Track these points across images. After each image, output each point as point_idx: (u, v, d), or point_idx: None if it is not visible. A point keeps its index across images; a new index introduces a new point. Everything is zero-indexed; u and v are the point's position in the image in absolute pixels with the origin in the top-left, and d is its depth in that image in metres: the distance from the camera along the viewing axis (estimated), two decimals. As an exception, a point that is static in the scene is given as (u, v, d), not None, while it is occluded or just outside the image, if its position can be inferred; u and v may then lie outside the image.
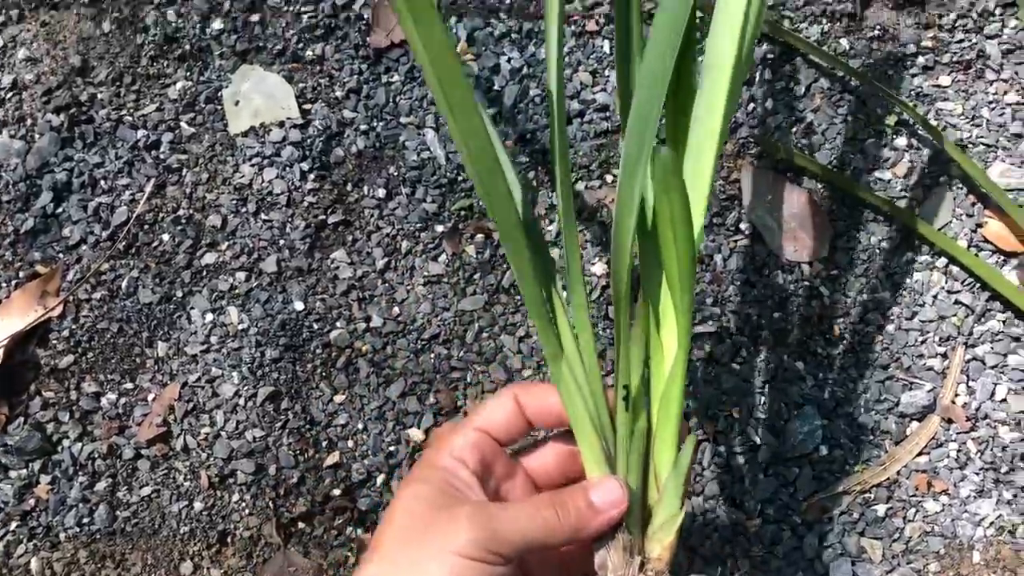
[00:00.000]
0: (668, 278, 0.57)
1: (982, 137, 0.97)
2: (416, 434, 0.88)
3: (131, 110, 1.00)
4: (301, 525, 0.86)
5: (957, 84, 0.99)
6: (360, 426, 0.88)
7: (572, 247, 0.61)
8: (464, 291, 0.92)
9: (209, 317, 0.92)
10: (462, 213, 0.95)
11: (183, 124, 0.99)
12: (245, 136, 0.98)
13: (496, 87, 1.00)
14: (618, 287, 0.56)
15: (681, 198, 0.51)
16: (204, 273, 0.94)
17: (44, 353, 0.91)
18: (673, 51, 0.51)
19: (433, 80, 0.51)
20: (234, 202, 0.96)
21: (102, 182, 0.97)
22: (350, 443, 0.88)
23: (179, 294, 0.93)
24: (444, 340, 0.91)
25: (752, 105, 0.99)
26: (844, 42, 1.02)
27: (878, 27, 1.02)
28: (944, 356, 0.89)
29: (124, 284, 0.93)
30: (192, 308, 0.92)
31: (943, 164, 0.96)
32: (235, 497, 0.86)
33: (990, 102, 0.98)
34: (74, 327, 0.92)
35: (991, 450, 0.86)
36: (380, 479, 0.86)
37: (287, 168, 0.97)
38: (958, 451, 0.86)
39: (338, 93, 1.00)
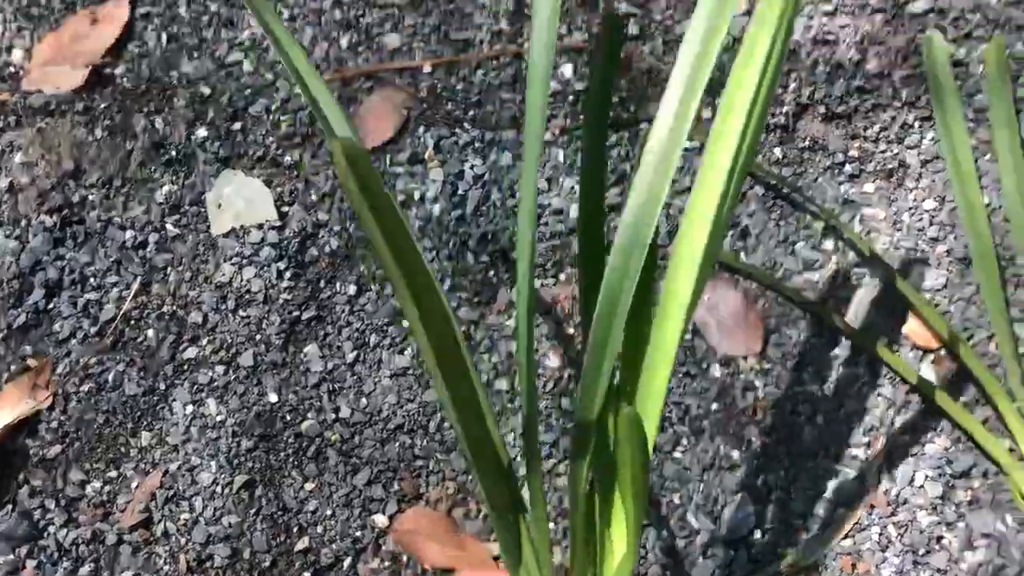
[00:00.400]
0: (621, 491, 0.64)
1: (903, 241, 1.06)
2: (381, 520, 0.94)
3: (120, 212, 1.08)
4: (273, 606, 0.92)
5: (880, 191, 1.09)
6: (329, 512, 0.95)
7: (536, 488, 0.69)
8: (428, 383, 1.00)
9: (190, 409, 0.98)
10: (427, 310, 1.03)
11: (169, 225, 1.07)
12: (227, 237, 1.06)
13: (460, 191, 1.09)
14: (576, 499, 0.64)
15: (640, 443, 0.57)
16: (186, 367, 1.01)
17: (33, 443, 0.98)
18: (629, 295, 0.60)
19: (432, 363, 0.58)
20: (215, 299, 1.03)
21: (91, 279, 1.05)
22: (319, 528, 0.94)
23: (162, 387, 1.00)
24: (408, 430, 0.98)
25: (694, 210, 1.08)
26: (777, 151, 1.11)
27: (809, 138, 1.12)
28: (868, 445, 0.97)
29: (111, 377, 1.00)
30: (174, 400, 0.99)
31: (867, 266, 1.05)
32: (211, 580, 0.92)
33: (910, 208, 1.08)
34: (63, 418, 0.99)
35: (910, 533, 0.93)
36: (347, 563, 0.93)
37: (265, 267, 1.04)
38: (880, 534, 0.94)
39: (313, 196, 1.09)
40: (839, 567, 0.92)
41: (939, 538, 0.93)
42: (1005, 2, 1.19)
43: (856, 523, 0.94)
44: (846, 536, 0.94)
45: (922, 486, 0.95)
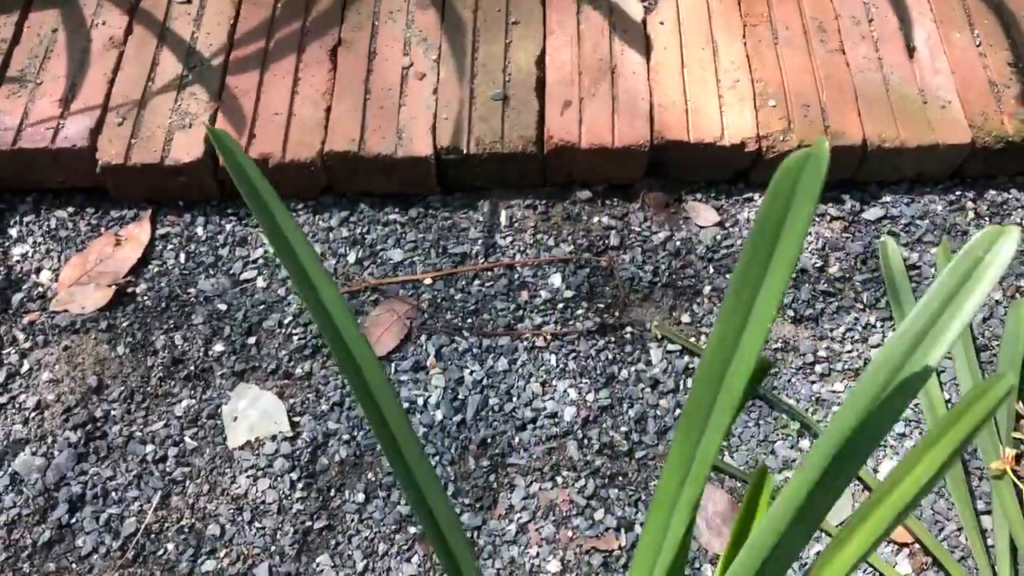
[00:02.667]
0: None
1: (872, 437, 1.14)
2: None
3: (141, 426, 1.15)
4: None
5: (849, 389, 1.18)
6: None
7: None
8: (435, 590, 1.05)
9: (207, 623, 1.03)
10: (432, 516, 1.09)
11: (187, 439, 1.14)
12: (242, 449, 1.13)
13: (461, 396, 1.17)
14: None
15: None
16: (203, 580, 1.06)
17: (56, 662, 1.01)
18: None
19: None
20: (231, 511, 1.09)
21: (113, 494, 1.10)
22: None
23: (181, 601, 1.04)
24: (418, 638, 1.03)
25: (678, 411, 1.16)
26: (753, 352, 1.21)
27: (780, 339, 1.22)
28: (853, 640, 1.03)
29: (131, 593, 1.05)
30: (192, 614, 1.03)
31: (841, 463, 1.12)
32: None
33: (877, 405, 1.16)
34: (84, 635, 1.03)
35: None
36: None
37: (278, 478, 1.11)
38: None
39: (324, 407, 1.16)
40: None
41: None
42: (949, 209, 1.32)
43: None
44: None
45: None
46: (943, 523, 1.09)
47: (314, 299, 0.60)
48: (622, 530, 1.08)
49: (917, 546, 1.07)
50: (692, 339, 1.21)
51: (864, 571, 1.06)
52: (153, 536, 1.08)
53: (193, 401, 1.16)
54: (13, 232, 1.29)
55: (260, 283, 1.25)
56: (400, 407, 0.61)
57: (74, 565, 1.07)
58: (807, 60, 1.34)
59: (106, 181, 1.28)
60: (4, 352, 1.19)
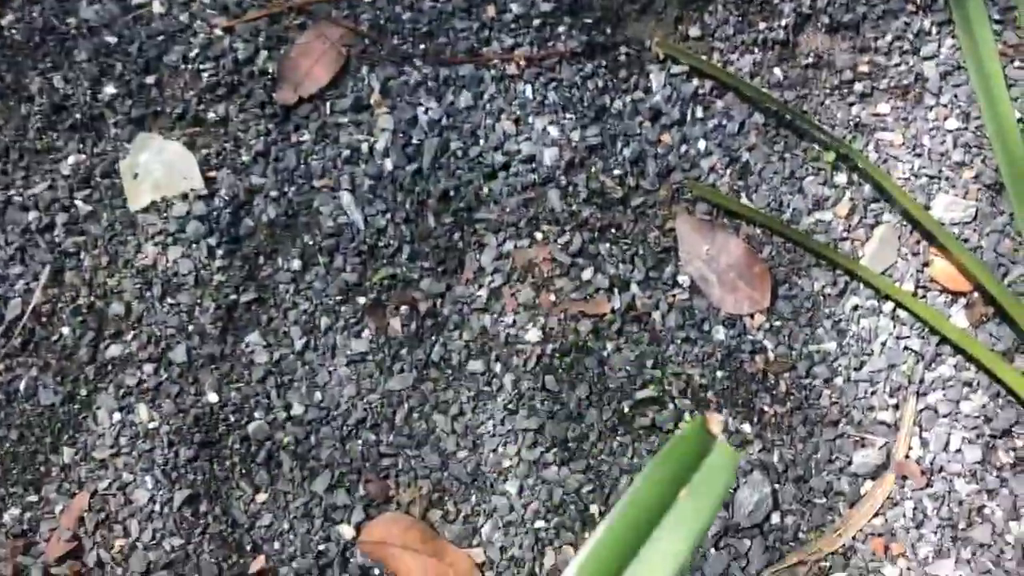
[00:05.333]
0: None
1: (924, 168, 0.93)
2: (347, 530, 0.82)
3: (20, 189, 0.93)
4: (229, 638, 0.80)
5: (896, 111, 0.95)
6: (286, 526, 0.82)
7: None
8: (391, 369, 0.87)
9: (117, 416, 0.85)
10: (384, 283, 0.89)
11: (78, 202, 0.92)
12: (146, 212, 0.92)
13: (414, 140, 0.94)
14: None
15: None
16: (109, 368, 0.87)
17: (-61, 468, 0.85)
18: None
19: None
20: (138, 286, 0.89)
21: (-7, 271, 0.90)
22: (276, 545, 0.82)
23: (83, 393, 0.86)
24: (371, 425, 0.85)
25: (684, 147, 0.94)
26: (777, 71, 0.97)
27: (812, 54, 0.97)
28: (896, 407, 0.85)
29: (22, 385, 0.87)
30: (98, 408, 0.86)
31: (885, 201, 0.91)
32: (156, 613, 0.81)
33: (930, 129, 0.94)
34: (-30, 436, 0.86)
35: (947, 505, 0.82)
36: (311, 582, 0.81)
37: (193, 245, 0.90)
38: (914, 509, 0.82)
39: (244, 158, 0.94)
40: (870, 550, 0.81)
41: (980, 508, 0.82)
42: None
43: (887, 498, 0.83)
44: (876, 514, 0.82)
45: (959, 450, 0.84)
46: (1008, 267, 0.89)
47: None
48: (615, 291, 0.89)
49: (976, 295, 0.88)
50: (703, 56, 0.96)
51: (911, 326, 0.87)
52: (44, 319, 0.89)
53: (83, 156, 0.94)
54: None
55: (157, 7, 0.99)
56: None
57: (-48, 356, 0.88)
58: None
59: None
60: None
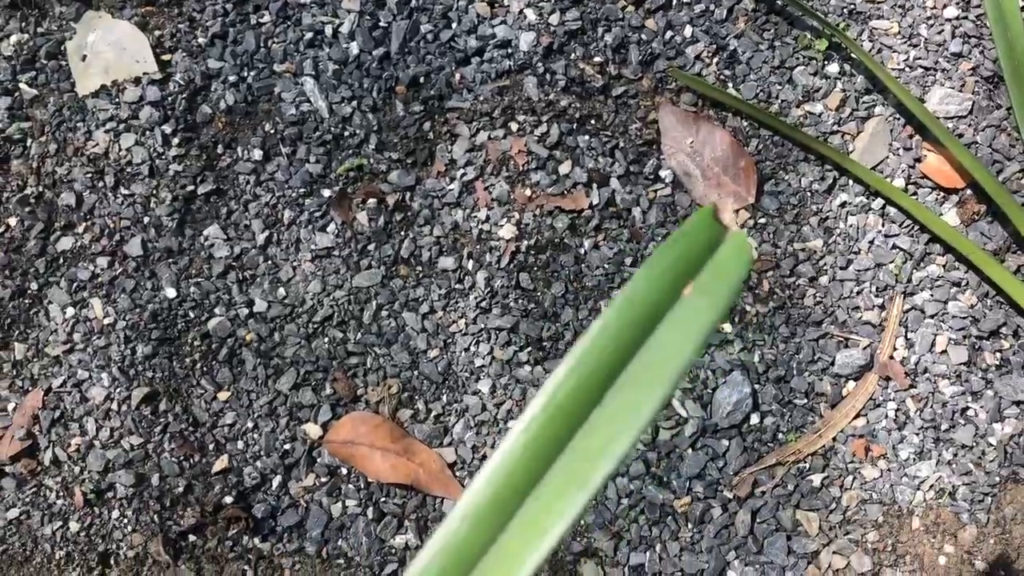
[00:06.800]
0: None
1: (920, 59, 0.88)
2: (313, 429, 0.79)
3: (-40, 71, 0.87)
4: (191, 539, 0.78)
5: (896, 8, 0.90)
6: (249, 424, 0.80)
7: None
8: (358, 264, 0.83)
9: (70, 312, 0.81)
10: (351, 175, 0.85)
11: (23, 86, 0.86)
12: (96, 97, 0.86)
13: (382, 23, 0.88)
14: None
15: None
16: (61, 261, 0.83)
17: None
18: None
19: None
20: (89, 176, 0.84)
21: (-67, 159, 0.85)
22: (239, 444, 0.79)
23: (34, 287, 0.82)
24: (338, 322, 0.82)
25: (669, 33, 0.88)
26: (769, -46, 0.91)
27: (806, -65, 0.91)
28: (881, 307, 0.83)
29: (-32, 279, 0.82)
30: (50, 302, 0.82)
31: (878, 92, 0.87)
32: (115, 513, 0.78)
33: (928, 18, 0.89)
34: (-85, 332, 0.81)
35: (930, 407, 0.80)
36: (276, 482, 0.79)
37: (147, 132, 0.85)
38: (896, 411, 0.80)
39: (201, 40, 0.88)
40: (850, 451, 0.80)
41: (964, 410, 0.80)
42: None
43: (869, 399, 0.81)
44: (857, 415, 0.80)
45: (944, 351, 0.81)
46: (1003, 164, 0.85)
47: None
48: (594, 185, 0.85)
49: (969, 192, 0.84)
50: (689, -64, 0.90)
51: (900, 224, 0.84)
52: (-10, 209, 0.84)
53: (26, 36, 0.87)
54: None
55: None
56: None
57: None
58: None
59: None
60: None
